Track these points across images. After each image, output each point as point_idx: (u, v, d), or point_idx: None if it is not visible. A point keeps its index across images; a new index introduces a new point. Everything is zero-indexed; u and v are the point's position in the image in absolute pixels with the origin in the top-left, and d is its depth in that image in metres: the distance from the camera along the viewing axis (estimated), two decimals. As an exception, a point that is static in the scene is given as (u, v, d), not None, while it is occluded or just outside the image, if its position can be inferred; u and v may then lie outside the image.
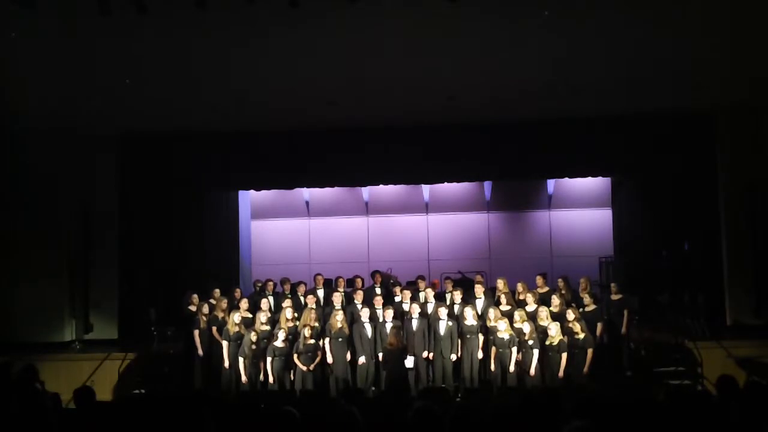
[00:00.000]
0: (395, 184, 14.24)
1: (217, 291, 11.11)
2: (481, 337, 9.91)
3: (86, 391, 6.17)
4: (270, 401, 8.22)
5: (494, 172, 13.32)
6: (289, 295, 11.13)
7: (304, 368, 9.70)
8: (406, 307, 10.43)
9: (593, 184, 14.71)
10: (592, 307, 10.27)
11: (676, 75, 10.17)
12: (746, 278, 11.79)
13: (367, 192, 15.49)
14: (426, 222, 15.58)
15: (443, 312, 10.02)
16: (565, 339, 9.48)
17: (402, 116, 11.99)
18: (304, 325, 9.89)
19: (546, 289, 10.84)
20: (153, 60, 9.20)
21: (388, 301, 10.80)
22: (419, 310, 10.14)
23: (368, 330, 10.04)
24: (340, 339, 9.95)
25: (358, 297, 10.77)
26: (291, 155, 12.73)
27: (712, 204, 12.23)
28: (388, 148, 12.58)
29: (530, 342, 9.46)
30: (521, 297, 10.51)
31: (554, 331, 9.42)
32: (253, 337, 9.84)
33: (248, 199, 14.99)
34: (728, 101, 11.57)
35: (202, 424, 4.45)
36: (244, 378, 9.78)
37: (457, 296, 10.53)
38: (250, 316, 10.47)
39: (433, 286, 11.51)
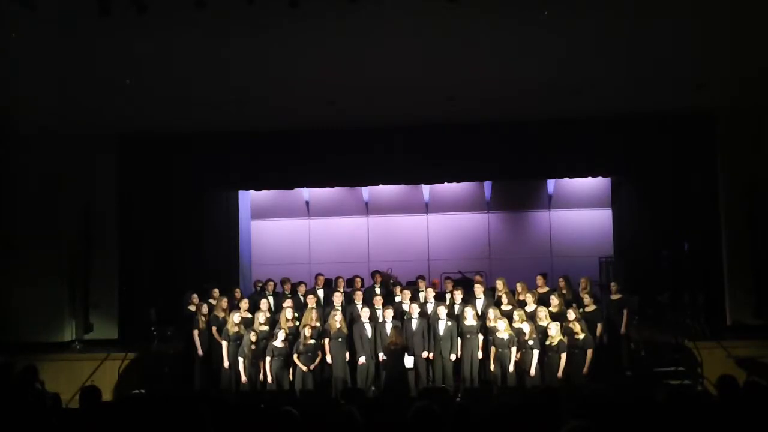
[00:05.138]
0: (395, 184, 14.22)
1: (217, 291, 11.12)
2: (481, 337, 9.92)
3: (92, 391, 6.16)
4: (270, 401, 8.22)
5: (494, 172, 13.32)
6: (290, 295, 11.13)
7: (305, 368, 9.70)
8: (405, 307, 10.43)
9: (593, 184, 14.69)
10: (592, 307, 10.28)
11: (676, 75, 10.17)
12: (746, 278, 11.78)
13: (367, 192, 15.47)
14: (426, 222, 15.56)
15: (443, 312, 10.02)
16: (565, 339, 9.48)
17: (402, 116, 11.99)
18: (305, 325, 9.90)
19: (546, 289, 10.85)
20: (153, 60, 9.20)
21: (388, 301, 10.80)
22: (419, 310, 10.14)
23: (368, 330, 10.04)
24: (339, 339, 9.95)
25: (358, 297, 10.78)
26: (291, 155, 12.72)
27: (712, 204, 12.22)
28: (388, 148, 12.57)
29: (530, 342, 9.47)
30: (521, 297, 10.51)
31: (554, 331, 9.43)
32: (253, 337, 9.85)
33: (248, 199, 14.97)
34: (728, 101, 11.56)
35: (202, 424, 4.46)
36: (243, 378, 9.78)
37: (457, 296, 10.53)
38: (250, 316, 10.47)
39: (433, 286, 11.51)
